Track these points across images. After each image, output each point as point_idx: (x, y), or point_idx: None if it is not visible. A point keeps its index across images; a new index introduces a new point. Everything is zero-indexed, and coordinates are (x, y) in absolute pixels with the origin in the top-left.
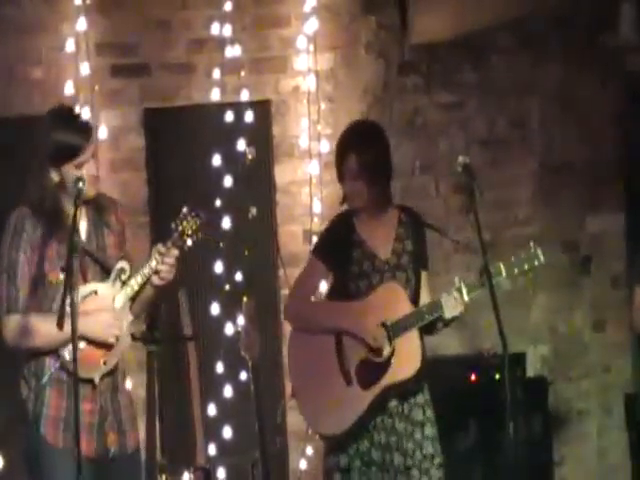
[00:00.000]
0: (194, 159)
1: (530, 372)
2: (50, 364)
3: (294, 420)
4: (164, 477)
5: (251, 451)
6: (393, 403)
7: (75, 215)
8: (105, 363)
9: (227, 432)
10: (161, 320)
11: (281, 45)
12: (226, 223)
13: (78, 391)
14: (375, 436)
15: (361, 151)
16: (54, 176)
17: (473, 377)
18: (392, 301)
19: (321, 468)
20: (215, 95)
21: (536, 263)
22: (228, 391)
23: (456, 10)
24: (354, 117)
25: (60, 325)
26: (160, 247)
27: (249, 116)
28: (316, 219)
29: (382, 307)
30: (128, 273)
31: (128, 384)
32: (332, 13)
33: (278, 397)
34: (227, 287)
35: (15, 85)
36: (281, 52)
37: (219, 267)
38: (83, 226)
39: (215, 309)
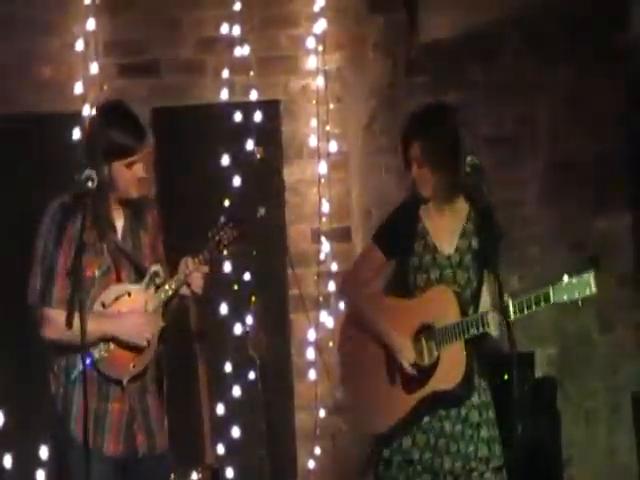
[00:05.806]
0: (203, 159)
1: (538, 372)
2: (80, 361)
3: (303, 420)
4: (172, 477)
5: (259, 451)
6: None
7: (84, 217)
8: (134, 366)
9: (235, 432)
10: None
11: (290, 45)
12: None
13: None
14: (418, 435)
15: (425, 137)
16: (103, 171)
17: None
18: (441, 306)
19: (330, 468)
20: (224, 95)
21: (587, 292)
22: (236, 391)
23: (464, 9)
24: (362, 117)
25: (69, 324)
26: (189, 261)
27: (258, 116)
28: (324, 218)
29: (430, 310)
30: (162, 277)
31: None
32: (340, 13)
33: (286, 396)
34: (235, 287)
35: (25, 83)
36: (290, 52)
37: (228, 267)
38: (120, 225)
39: (224, 309)
